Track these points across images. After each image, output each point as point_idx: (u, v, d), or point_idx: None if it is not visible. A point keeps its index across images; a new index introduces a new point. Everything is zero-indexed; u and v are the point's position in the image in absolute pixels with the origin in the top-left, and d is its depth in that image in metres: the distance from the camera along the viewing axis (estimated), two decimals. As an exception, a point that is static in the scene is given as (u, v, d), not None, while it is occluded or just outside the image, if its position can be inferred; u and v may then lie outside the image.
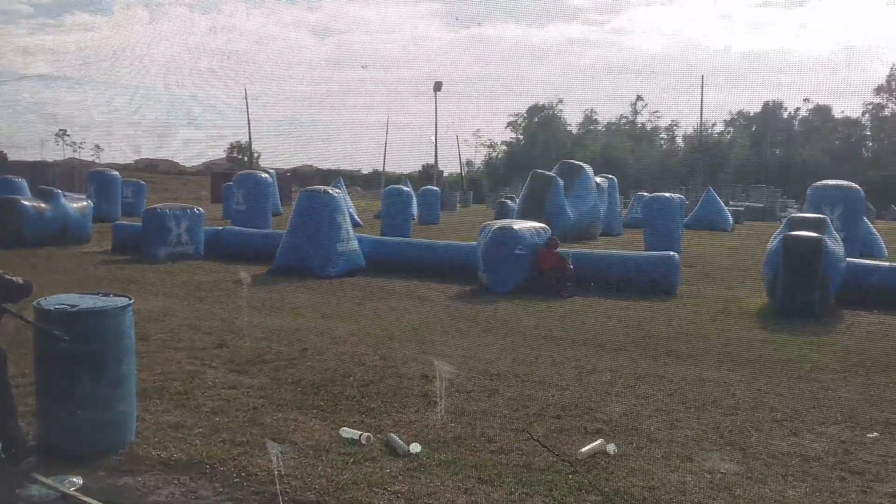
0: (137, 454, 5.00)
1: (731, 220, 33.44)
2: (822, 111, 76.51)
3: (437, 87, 62.20)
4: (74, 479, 4.50)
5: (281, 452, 4.97)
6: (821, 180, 18.92)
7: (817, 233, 11.61)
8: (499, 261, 13.21)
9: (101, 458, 4.86)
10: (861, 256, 14.47)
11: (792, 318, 10.82)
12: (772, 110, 78.99)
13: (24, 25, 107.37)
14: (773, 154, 74.95)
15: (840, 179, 19.36)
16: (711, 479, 4.86)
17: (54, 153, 74.61)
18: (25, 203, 19.29)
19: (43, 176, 39.83)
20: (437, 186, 41.48)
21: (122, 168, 43.31)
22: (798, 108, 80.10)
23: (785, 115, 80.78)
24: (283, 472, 4.68)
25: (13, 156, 58.99)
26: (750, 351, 8.97)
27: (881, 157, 68.89)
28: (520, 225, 14.15)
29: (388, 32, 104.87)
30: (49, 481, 4.44)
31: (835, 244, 11.86)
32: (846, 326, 10.56)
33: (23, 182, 25.64)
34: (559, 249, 13.68)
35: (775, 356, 8.68)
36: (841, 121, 76.05)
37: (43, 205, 19.40)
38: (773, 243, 12.19)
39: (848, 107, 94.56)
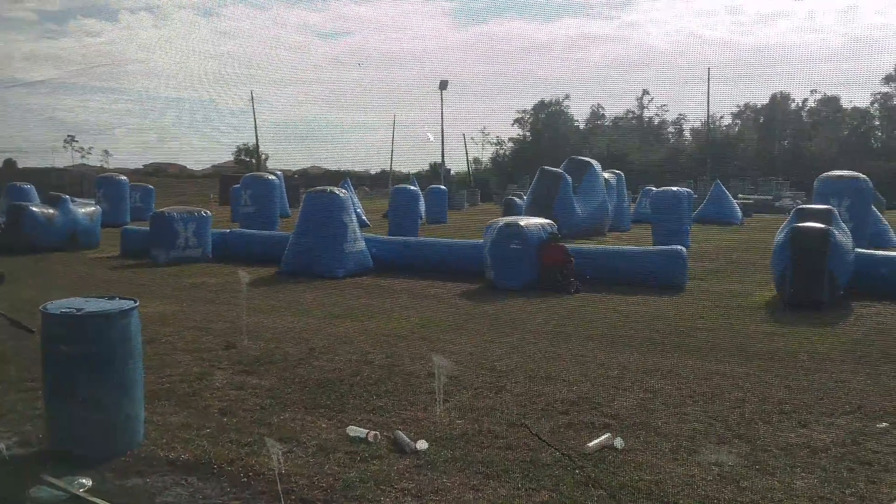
0: (145, 455, 5.03)
1: (740, 213, 33.32)
2: (831, 102, 76.08)
3: (443, 85, 62.19)
4: (83, 481, 4.54)
5: (288, 452, 5.00)
6: (829, 171, 18.79)
7: (825, 224, 11.55)
8: (505, 258, 13.21)
9: (110, 460, 4.89)
10: (870, 247, 14.37)
11: (800, 310, 10.77)
12: (780, 102, 78.62)
13: (30, 32, 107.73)
14: (781, 146, 74.59)
15: (849, 170, 19.24)
16: (719, 471, 4.85)
17: (63, 159, 75.10)
18: (34, 209, 19.41)
19: (55, 182, 40.14)
20: (444, 185, 41.44)
21: (131, 172, 43.44)
22: (806, 100, 79.77)
23: (793, 106, 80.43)
24: (289, 471, 4.70)
25: (23, 162, 59.45)
26: (758, 344, 8.94)
27: (890, 147, 68.40)
28: (526, 221, 14.13)
29: (394, 32, 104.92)
30: (59, 483, 4.47)
31: (843, 235, 11.79)
32: (855, 318, 10.50)
33: (31, 188, 25.79)
34: (561, 244, 13.63)
35: (784, 349, 8.64)
36: (849, 111, 75.58)
37: (51, 210, 19.51)
38: (780, 236, 12.14)
39: (856, 97, 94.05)
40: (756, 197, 46.75)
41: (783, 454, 5.19)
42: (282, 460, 4.68)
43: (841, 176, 17.86)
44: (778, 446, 5.34)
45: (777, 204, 41.68)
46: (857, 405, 6.35)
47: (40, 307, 5.06)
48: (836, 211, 12.78)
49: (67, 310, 5.00)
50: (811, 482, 4.72)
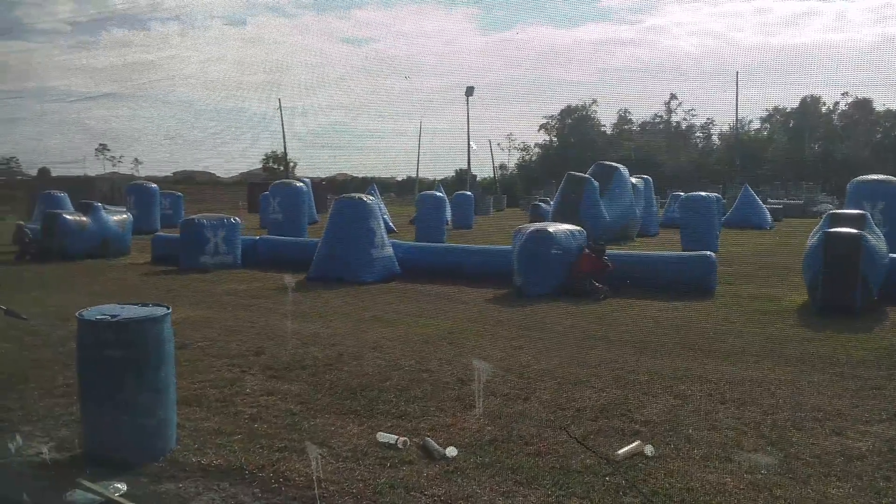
0: (178, 461, 5.09)
1: (769, 217, 32.95)
2: (863, 104, 74.97)
3: (469, 91, 62.23)
4: (118, 485, 4.60)
5: (318, 457, 5.03)
6: (861, 175, 18.52)
7: (857, 229, 11.39)
8: (534, 263, 13.18)
9: (144, 465, 4.96)
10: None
11: (833, 315, 10.62)
12: (810, 105, 77.60)
13: (64, 44, 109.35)
14: (812, 150, 73.66)
15: (883, 173, 18.95)
16: (751, 479, 4.80)
17: (95, 167, 76.23)
18: (67, 217, 19.72)
19: (90, 190, 40.84)
20: (470, 191, 41.40)
21: (161, 180, 44.02)
22: (837, 103, 78.63)
23: (824, 109, 79.36)
24: (320, 477, 4.72)
25: (56, 171, 60.37)
26: (790, 349, 8.82)
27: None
28: (555, 227, 14.09)
29: (419, 38, 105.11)
30: (94, 486, 4.54)
31: (876, 240, 11.61)
32: (891, 324, 10.33)
33: (65, 196, 26.21)
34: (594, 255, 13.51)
35: (816, 354, 8.52)
36: (882, 113, 74.38)
37: (84, 218, 19.80)
38: (812, 240, 11.99)
39: (889, 99, 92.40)
40: (786, 201, 46.20)
41: (817, 462, 5.12)
42: (316, 466, 4.70)
43: (874, 179, 17.60)
44: (812, 454, 5.27)
45: (815, 210, 41.12)
46: (894, 412, 6.25)
47: (76, 313, 5.15)
48: (869, 215, 12.60)
49: (103, 316, 5.08)
50: (846, 491, 4.65)
